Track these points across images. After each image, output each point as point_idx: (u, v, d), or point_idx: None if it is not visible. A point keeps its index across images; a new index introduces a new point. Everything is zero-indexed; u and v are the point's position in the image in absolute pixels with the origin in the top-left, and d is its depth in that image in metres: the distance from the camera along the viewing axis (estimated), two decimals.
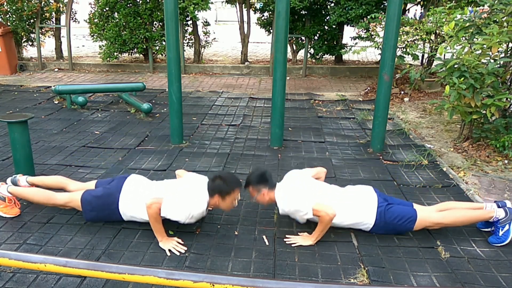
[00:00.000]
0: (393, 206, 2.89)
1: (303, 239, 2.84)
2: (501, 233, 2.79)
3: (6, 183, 3.25)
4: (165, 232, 2.81)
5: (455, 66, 4.22)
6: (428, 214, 2.89)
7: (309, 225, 3.03)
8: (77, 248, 2.72)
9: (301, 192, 2.88)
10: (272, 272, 2.53)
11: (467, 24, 4.55)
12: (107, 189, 2.98)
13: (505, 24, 4.30)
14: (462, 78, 4.11)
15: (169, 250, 2.71)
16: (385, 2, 7.87)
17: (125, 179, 3.02)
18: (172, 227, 2.96)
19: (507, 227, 2.78)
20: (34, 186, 3.29)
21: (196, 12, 8.41)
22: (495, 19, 4.30)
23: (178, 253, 2.69)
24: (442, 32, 4.75)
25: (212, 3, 8.89)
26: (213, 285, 1.56)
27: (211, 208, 3.05)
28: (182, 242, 2.80)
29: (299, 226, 3.04)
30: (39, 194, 3.06)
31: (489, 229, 2.95)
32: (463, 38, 4.49)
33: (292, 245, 2.80)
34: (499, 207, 2.88)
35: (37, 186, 3.28)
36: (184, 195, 2.79)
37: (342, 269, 2.57)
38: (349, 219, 2.89)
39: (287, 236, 2.88)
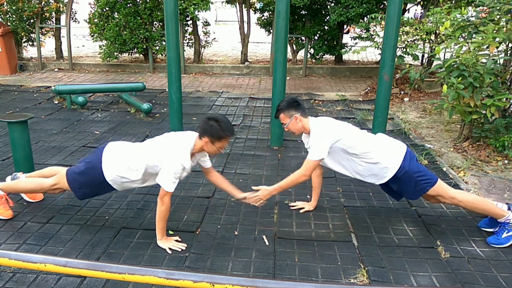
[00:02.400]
0: (419, 164, 2.86)
1: (262, 192, 2.89)
2: (504, 235, 2.78)
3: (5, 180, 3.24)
4: (165, 232, 2.80)
5: (454, 65, 4.23)
6: (447, 187, 2.86)
7: (310, 225, 3.03)
8: (77, 248, 2.72)
9: (335, 125, 2.84)
10: (272, 272, 2.53)
11: (466, 23, 4.55)
12: (88, 163, 2.85)
13: (502, 22, 4.30)
14: (461, 78, 4.12)
15: (169, 248, 2.71)
16: (385, 1, 7.87)
17: (103, 148, 2.86)
18: (172, 227, 2.96)
19: None
20: None
21: (196, 13, 8.41)
22: (492, 18, 4.31)
23: (179, 249, 2.70)
24: (441, 33, 4.74)
25: (212, 3, 8.89)
26: (213, 285, 1.56)
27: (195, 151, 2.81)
28: (181, 240, 2.80)
29: (299, 226, 3.04)
30: (28, 183, 3.04)
31: (490, 229, 2.95)
32: (461, 38, 4.49)
33: (254, 202, 2.90)
34: (509, 209, 2.86)
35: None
36: (172, 149, 2.66)
37: (342, 269, 2.57)
38: (377, 155, 2.79)
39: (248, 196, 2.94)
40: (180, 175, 2.67)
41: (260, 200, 2.93)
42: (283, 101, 2.91)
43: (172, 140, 2.75)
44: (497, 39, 4.03)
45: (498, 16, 4.26)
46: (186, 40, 9.38)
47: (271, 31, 9.15)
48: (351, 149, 2.80)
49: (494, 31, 4.00)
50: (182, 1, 8.27)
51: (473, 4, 6.33)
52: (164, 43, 8.80)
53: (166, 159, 2.64)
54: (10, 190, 3.11)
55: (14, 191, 3.15)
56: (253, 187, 3.00)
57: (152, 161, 2.70)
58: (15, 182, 3.12)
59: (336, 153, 2.88)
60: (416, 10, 13.13)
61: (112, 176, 2.77)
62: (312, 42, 8.97)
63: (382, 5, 7.93)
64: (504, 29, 4.15)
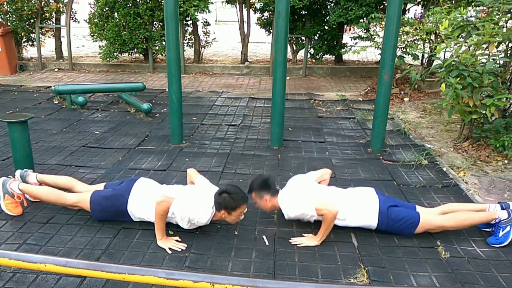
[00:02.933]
0: (396, 208, 2.89)
1: (308, 240, 2.84)
2: (501, 233, 2.79)
3: (16, 179, 3.25)
4: (165, 232, 2.81)
5: (453, 64, 4.22)
6: (430, 218, 2.88)
7: (310, 225, 3.03)
8: (77, 248, 2.72)
9: (303, 196, 2.90)
10: (272, 272, 2.53)
11: (465, 23, 4.54)
12: (117, 190, 3.00)
13: (501, 22, 4.30)
14: (459, 78, 4.11)
15: (169, 248, 2.72)
16: (384, 2, 7.87)
17: (135, 181, 3.05)
18: (172, 227, 2.96)
19: (508, 228, 2.77)
20: (43, 183, 3.29)
21: (196, 14, 8.42)
22: (491, 17, 4.31)
23: (179, 249, 2.71)
24: (440, 32, 4.75)
25: (212, 3, 8.89)
26: (213, 285, 1.56)
27: (216, 219, 3.01)
28: (181, 240, 2.81)
29: (299, 226, 3.04)
30: (50, 194, 3.07)
31: (489, 229, 2.95)
32: (460, 37, 4.49)
33: (298, 245, 2.80)
34: (502, 208, 2.88)
35: (47, 184, 3.28)
36: (194, 202, 2.80)
37: (342, 269, 2.57)
38: (351, 221, 2.90)
39: (292, 238, 2.88)
40: (189, 222, 2.81)
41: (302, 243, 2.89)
42: (255, 181, 2.96)
43: (203, 197, 2.85)
44: (497, 38, 4.02)
45: (497, 16, 4.26)
46: (186, 40, 9.38)
47: (271, 31, 9.15)
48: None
49: (493, 30, 3.99)
50: (182, 3, 8.27)
51: (472, 4, 6.33)
52: (164, 43, 8.80)
53: (190, 213, 2.77)
54: (29, 194, 3.14)
55: (32, 196, 3.17)
56: (304, 234, 2.97)
57: (178, 210, 2.80)
58: (37, 189, 3.12)
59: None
60: (416, 10, 13.14)
61: (134, 210, 2.93)
62: (312, 42, 8.98)
63: (382, 6, 7.93)
64: (504, 29, 4.15)
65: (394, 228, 2.87)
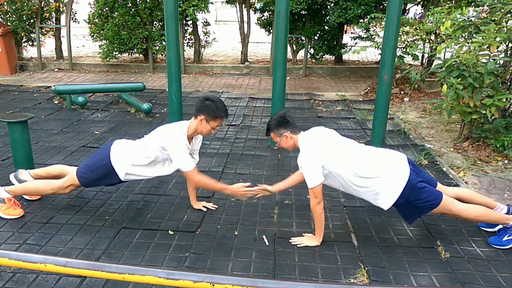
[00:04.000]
0: (425, 186, 2.61)
1: (308, 240, 2.82)
2: (506, 238, 2.77)
3: (3, 186, 3.24)
4: (223, 184, 2.96)
5: (454, 64, 4.22)
6: (451, 203, 2.66)
7: (310, 225, 3.03)
8: (77, 248, 2.72)
9: (326, 147, 2.65)
10: (272, 272, 2.53)
11: (466, 23, 4.55)
12: (97, 155, 3.04)
13: (503, 22, 4.30)
14: (460, 79, 4.11)
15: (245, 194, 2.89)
16: (384, 2, 7.87)
17: (111, 143, 3.04)
18: (172, 227, 2.96)
19: None
20: (38, 177, 3.28)
21: (195, 14, 8.42)
22: (493, 18, 4.31)
23: (251, 194, 2.94)
24: (441, 32, 4.74)
25: (212, 3, 8.89)
26: (213, 285, 1.56)
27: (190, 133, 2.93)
28: (248, 184, 2.92)
29: (299, 226, 3.04)
30: (37, 185, 3.08)
31: (490, 229, 2.95)
32: (461, 38, 4.50)
33: (298, 245, 2.79)
34: (509, 212, 2.86)
35: (41, 176, 3.27)
36: (167, 130, 2.88)
37: (342, 269, 2.57)
38: (373, 185, 2.61)
39: (292, 238, 2.87)
40: (187, 151, 2.83)
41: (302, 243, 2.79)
42: (272, 119, 2.81)
43: (166, 128, 2.93)
44: (498, 39, 4.02)
45: (499, 17, 4.26)
46: (186, 40, 9.39)
47: (271, 31, 9.15)
48: (343, 173, 2.63)
49: (495, 31, 3.99)
50: (181, 2, 8.27)
51: (473, 4, 6.33)
52: (164, 43, 8.80)
53: (167, 142, 2.80)
54: (17, 194, 3.12)
55: (22, 193, 3.16)
56: (304, 234, 2.89)
57: (155, 145, 2.85)
58: (22, 186, 3.12)
59: (330, 176, 2.72)
60: (416, 10, 13.13)
61: (119, 164, 2.92)
62: (312, 42, 8.98)
63: (381, 6, 7.93)
64: (505, 29, 4.15)
65: (410, 205, 2.61)
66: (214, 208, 3.26)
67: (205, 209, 3.22)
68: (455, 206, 2.68)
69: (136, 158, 2.91)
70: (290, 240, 2.84)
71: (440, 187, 2.82)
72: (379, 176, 2.60)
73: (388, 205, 2.66)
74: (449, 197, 2.73)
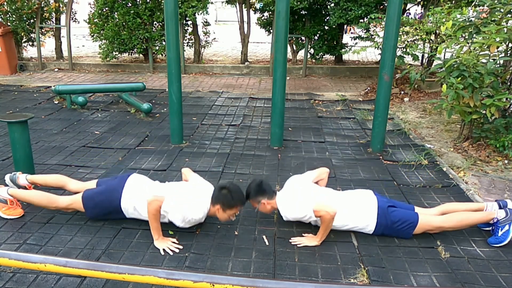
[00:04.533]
0: (395, 210, 2.88)
1: (308, 240, 2.84)
2: (500, 233, 2.79)
3: (7, 185, 3.23)
4: (161, 231, 2.80)
5: (454, 65, 4.22)
6: (429, 218, 2.88)
7: (310, 225, 3.03)
8: (77, 248, 2.72)
9: (301, 197, 2.89)
10: (272, 272, 2.53)
11: (466, 23, 4.55)
12: (110, 186, 2.99)
13: (503, 23, 4.30)
14: (460, 78, 4.11)
15: (164, 250, 2.71)
16: (384, 3, 7.87)
17: (128, 176, 3.04)
18: (172, 227, 2.96)
19: (506, 227, 2.78)
20: (34, 184, 3.28)
21: (195, 15, 8.42)
22: (493, 18, 4.31)
23: (171, 253, 2.69)
24: (441, 33, 4.74)
25: (211, 3, 8.89)
26: (213, 285, 1.56)
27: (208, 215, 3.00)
28: (177, 242, 2.79)
29: (299, 226, 3.04)
30: (41, 198, 3.01)
31: (489, 228, 2.95)
32: (462, 38, 4.50)
33: (298, 245, 2.80)
34: (500, 206, 2.88)
35: (38, 184, 3.27)
36: (186, 199, 2.79)
37: (342, 269, 2.57)
38: (350, 223, 2.90)
39: (292, 238, 2.88)
40: (183, 220, 2.79)
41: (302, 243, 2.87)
42: (250, 187, 2.94)
43: (196, 193, 2.88)
44: (498, 39, 4.02)
45: (499, 17, 4.26)
46: (186, 40, 9.38)
47: (271, 31, 9.15)
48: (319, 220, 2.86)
49: (495, 32, 3.99)
50: (180, 3, 8.27)
51: (473, 4, 6.33)
52: (164, 43, 8.80)
53: (182, 210, 2.76)
54: (19, 199, 3.10)
55: (23, 201, 3.13)
56: (304, 234, 2.96)
57: (170, 208, 2.79)
58: (27, 193, 3.07)
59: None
60: (416, 10, 13.13)
61: (127, 206, 2.92)
62: (312, 42, 8.98)
63: (381, 6, 7.93)
64: (505, 29, 4.14)
65: (392, 230, 2.86)
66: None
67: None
68: (433, 219, 2.89)
69: (140, 203, 2.89)
70: (290, 240, 2.85)
71: (419, 209, 3.01)
72: (351, 220, 2.89)
73: (371, 231, 2.90)
74: (427, 215, 2.93)
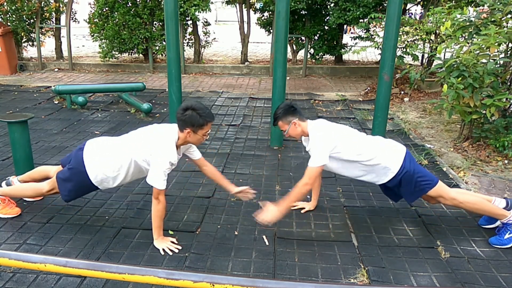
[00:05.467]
0: (419, 165, 2.86)
1: (267, 211, 2.70)
2: (506, 236, 2.77)
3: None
4: (162, 231, 2.79)
5: (454, 65, 4.22)
6: (447, 188, 2.85)
7: (310, 225, 3.03)
8: (77, 248, 2.72)
9: (334, 130, 2.82)
10: (272, 272, 2.53)
11: (466, 24, 4.55)
12: (71, 169, 2.81)
13: (504, 23, 4.29)
14: (460, 78, 4.11)
15: (163, 250, 2.70)
16: (384, 3, 7.87)
17: (83, 148, 2.82)
18: (172, 227, 2.96)
19: None
20: (24, 182, 3.27)
21: (197, 14, 8.42)
22: (493, 19, 4.30)
23: (171, 253, 2.68)
24: (441, 33, 4.74)
25: (212, 3, 8.90)
26: (213, 285, 1.56)
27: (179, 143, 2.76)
28: (177, 242, 2.78)
29: (299, 226, 3.04)
30: (26, 189, 3.07)
31: (490, 226, 2.95)
32: (462, 38, 4.50)
33: (257, 220, 2.74)
34: (507, 204, 2.86)
35: (27, 181, 3.26)
36: (159, 141, 2.62)
37: (342, 269, 2.57)
38: (377, 156, 2.78)
39: (254, 214, 2.84)
40: (169, 171, 2.64)
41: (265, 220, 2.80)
42: (279, 108, 2.87)
43: (155, 135, 2.69)
44: (497, 42, 4.02)
45: (500, 17, 4.25)
46: (186, 40, 9.38)
47: (271, 31, 9.15)
48: (350, 155, 2.79)
49: (496, 34, 3.98)
50: (183, 2, 8.27)
51: (473, 4, 6.33)
52: (164, 43, 8.80)
53: (152, 155, 2.60)
54: (9, 195, 3.12)
55: (14, 196, 3.16)
56: (259, 202, 2.92)
57: (138, 156, 2.67)
58: (11, 188, 3.11)
59: (336, 159, 2.85)
60: (416, 10, 13.13)
61: (98, 177, 2.77)
62: (312, 42, 8.98)
63: (380, 7, 7.92)
64: (505, 29, 4.14)
65: (412, 180, 2.77)
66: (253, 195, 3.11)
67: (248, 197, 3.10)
68: (451, 190, 2.85)
69: (109, 169, 2.74)
70: (253, 215, 2.81)
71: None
72: (379, 154, 2.79)
73: (391, 175, 2.80)
74: (446, 186, 2.88)
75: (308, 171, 2.74)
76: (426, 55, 7.70)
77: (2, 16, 9.03)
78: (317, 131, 2.80)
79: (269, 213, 2.69)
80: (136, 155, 2.69)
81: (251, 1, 9.62)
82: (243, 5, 9.36)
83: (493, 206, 2.84)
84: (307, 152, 4.48)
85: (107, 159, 2.74)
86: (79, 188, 2.86)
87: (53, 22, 9.68)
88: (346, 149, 2.78)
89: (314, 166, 2.73)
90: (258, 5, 9.60)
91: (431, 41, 6.52)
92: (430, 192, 2.80)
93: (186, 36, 9.33)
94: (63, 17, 9.70)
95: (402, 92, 7.07)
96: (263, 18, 9.56)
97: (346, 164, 2.86)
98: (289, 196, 2.76)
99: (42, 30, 9.60)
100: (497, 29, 4.02)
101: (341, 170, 2.95)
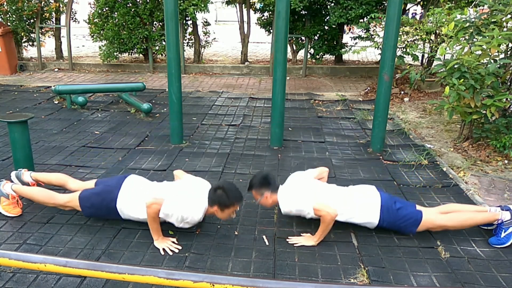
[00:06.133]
0: (399, 207, 2.87)
1: (306, 240, 2.84)
2: (503, 234, 2.78)
3: (12, 181, 3.27)
4: (161, 232, 2.80)
5: (455, 66, 4.22)
6: (432, 217, 2.87)
7: (310, 225, 3.03)
8: (77, 248, 2.72)
9: (303, 193, 2.89)
10: (272, 272, 2.53)
11: (467, 24, 4.54)
12: (107, 186, 3.00)
13: (504, 24, 4.29)
14: (462, 79, 4.11)
15: (163, 249, 2.71)
16: (384, 2, 7.87)
17: (125, 177, 3.03)
18: (172, 227, 2.96)
19: (510, 229, 2.77)
20: (37, 181, 3.32)
21: (195, 13, 8.42)
22: (494, 20, 4.30)
23: (171, 253, 2.69)
24: (442, 33, 4.74)
25: (212, 3, 8.90)
26: (213, 285, 1.56)
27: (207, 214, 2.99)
28: (177, 242, 2.79)
29: (299, 226, 3.04)
30: (41, 194, 3.07)
31: (490, 228, 2.95)
32: (463, 39, 4.50)
33: (295, 245, 2.80)
34: (502, 210, 2.88)
35: (40, 182, 3.31)
36: (184, 199, 2.79)
37: (342, 269, 2.57)
38: (353, 218, 2.89)
39: (289, 237, 2.88)
40: (182, 220, 2.77)
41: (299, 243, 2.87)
42: (255, 177, 2.95)
43: (193, 193, 2.86)
44: (498, 43, 4.01)
45: (500, 18, 4.25)
46: (186, 40, 9.38)
47: (271, 31, 9.15)
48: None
49: (499, 37, 3.97)
50: (182, 1, 8.27)
51: (473, 5, 6.33)
52: (164, 43, 8.80)
53: (180, 211, 2.74)
54: (22, 195, 3.14)
55: (25, 196, 3.17)
56: (302, 234, 2.97)
57: (168, 210, 2.76)
58: (29, 190, 3.14)
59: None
60: (415, 9, 13.13)
61: (123, 207, 2.91)
62: (312, 42, 8.97)
63: (382, 6, 7.92)
64: (505, 29, 4.14)
65: (395, 226, 2.86)
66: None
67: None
68: (437, 218, 2.88)
69: (136, 206, 2.88)
70: (287, 240, 2.85)
71: (421, 208, 2.97)
72: (353, 214, 2.89)
73: (373, 226, 2.92)
74: (430, 213, 2.91)
75: (318, 213, 2.83)
76: (426, 55, 7.70)
77: (2, 16, 9.02)
78: (284, 206, 2.90)
79: (305, 240, 2.85)
80: (166, 208, 2.76)
81: (251, 1, 9.62)
82: (243, 5, 9.36)
83: (482, 215, 2.88)
84: (307, 153, 4.52)
85: (139, 198, 2.88)
86: (101, 206, 2.94)
87: (53, 22, 9.68)
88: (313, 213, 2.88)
89: (315, 208, 2.84)
90: (258, 5, 9.60)
91: (431, 41, 6.52)
92: (418, 229, 2.86)
93: (186, 36, 9.33)
94: (63, 17, 9.70)
95: (402, 92, 7.07)
96: (263, 18, 9.56)
97: None
98: (322, 229, 2.81)
99: (42, 30, 9.59)
100: (498, 29, 4.01)
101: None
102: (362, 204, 2.89)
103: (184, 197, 2.80)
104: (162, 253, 2.69)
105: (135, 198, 2.89)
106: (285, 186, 3.01)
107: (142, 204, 2.82)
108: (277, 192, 2.94)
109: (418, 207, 2.96)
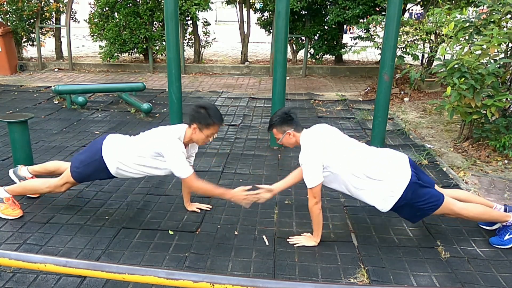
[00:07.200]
0: (424, 186, 2.62)
1: (306, 240, 2.82)
2: (507, 237, 2.77)
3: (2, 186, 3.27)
4: (224, 188, 2.86)
5: (455, 66, 4.22)
6: (452, 203, 2.67)
7: (310, 225, 3.03)
8: (77, 248, 2.72)
9: (323, 146, 2.64)
10: (272, 272, 2.53)
11: (466, 24, 4.54)
12: (89, 147, 3.02)
13: (503, 23, 4.29)
14: (463, 79, 4.11)
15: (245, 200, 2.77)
16: (381, 4, 7.87)
17: (104, 137, 3.00)
18: (172, 227, 2.96)
19: None
20: (36, 173, 3.32)
21: (198, 13, 8.43)
22: (492, 19, 4.30)
23: (253, 198, 2.79)
24: (442, 33, 4.74)
25: (212, 2, 8.90)
26: (213, 285, 1.56)
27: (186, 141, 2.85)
28: (248, 187, 2.81)
29: (299, 226, 3.04)
30: (34, 183, 3.10)
31: (490, 228, 2.95)
32: (462, 39, 4.50)
33: (295, 245, 2.79)
34: (505, 210, 2.86)
35: (39, 172, 3.31)
36: (161, 132, 2.81)
37: (342, 269, 2.57)
38: (373, 187, 2.60)
39: (290, 237, 2.88)
40: (184, 158, 2.74)
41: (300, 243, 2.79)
42: (276, 115, 2.77)
43: (163, 130, 2.85)
44: (495, 41, 4.01)
45: (499, 18, 4.25)
46: (186, 40, 9.39)
47: (271, 31, 9.16)
48: (344, 173, 2.62)
49: (499, 36, 3.96)
50: (184, 1, 8.27)
51: (472, 4, 6.33)
52: (164, 43, 8.80)
53: (164, 150, 2.71)
54: (16, 193, 3.13)
55: (20, 192, 3.16)
56: (303, 234, 2.88)
57: (147, 149, 2.78)
58: (21, 184, 3.14)
59: (333, 174, 2.70)
60: (415, 9, 13.13)
61: (110, 160, 2.86)
62: (312, 42, 8.98)
63: (379, 7, 7.92)
64: (505, 29, 4.14)
65: (413, 208, 2.62)
66: (209, 209, 3.22)
67: (199, 211, 3.19)
68: (456, 205, 2.69)
69: (127, 156, 2.84)
70: (288, 240, 2.84)
71: (437, 189, 2.80)
72: (379, 179, 2.60)
73: (387, 208, 2.65)
74: (450, 198, 2.74)
75: (308, 192, 2.65)
76: (426, 55, 7.70)
77: (2, 16, 9.03)
78: (307, 146, 2.66)
79: (306, 240, 2.81)
80: (148, 149, 2.79)
81: (251, 1, 9.62)
82: (243, 5, 9.36)
83: (497, 212, 2.82)
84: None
85: (123, 148, 2.87)
86: (89, 162, 2.89)
87: (53, 22, 9.68)
88: (337, 168, 2.62)
89: (310, 187, 2.62)
90: (258, 5, 9.60)
91: (431, 41, 6.52)
92: (435, 212, 2.67)
93: (186, 36, 9.33)
94: (63, 17, 9.70)
95: (402, 92, 7.08)
96: (263, 18, 9.57)
97: (342, 183, 2.70)
98: (314, 225, 2.76)
99: (42, 30, 9.60)
100: (500, 31, 4.01)
101: (345, 190, 2.76)
102: (386, 181, 2.57)
103: (161, 131, 2.83)
104: (247, 207, 2.83)
105: (120, 151, 2.86)
106: (311, 132, 2.76)
107: (127, 156, 2.82)
108: (301, 132, 2.73)
109: (436, 187, 2.77)
